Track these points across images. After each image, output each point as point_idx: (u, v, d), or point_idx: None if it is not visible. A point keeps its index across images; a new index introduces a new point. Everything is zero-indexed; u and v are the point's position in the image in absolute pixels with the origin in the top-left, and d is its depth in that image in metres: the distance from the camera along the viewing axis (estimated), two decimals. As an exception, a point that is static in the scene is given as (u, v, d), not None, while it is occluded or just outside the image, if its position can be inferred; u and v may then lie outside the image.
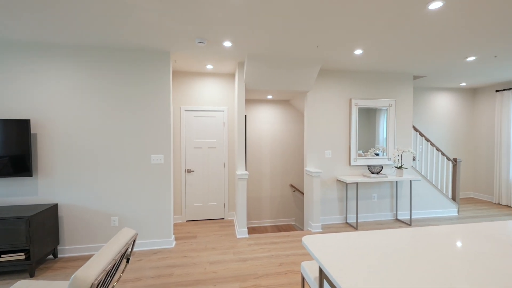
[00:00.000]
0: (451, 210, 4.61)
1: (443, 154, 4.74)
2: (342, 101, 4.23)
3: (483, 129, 5.71)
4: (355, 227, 4.02)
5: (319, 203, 3.83)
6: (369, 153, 4.31)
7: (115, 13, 2.26)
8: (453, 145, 5.86)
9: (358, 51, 3.28)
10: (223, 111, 4.40)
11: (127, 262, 1.77)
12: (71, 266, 2.80)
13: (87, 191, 3.09)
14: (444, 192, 4.80)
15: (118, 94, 3.14)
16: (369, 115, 4.32)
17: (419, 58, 3.56)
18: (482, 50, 3.26)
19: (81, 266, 2.83)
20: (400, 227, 4.02)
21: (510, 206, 5.09)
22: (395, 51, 3.27)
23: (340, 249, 1.29)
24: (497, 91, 5.30)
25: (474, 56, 3.48)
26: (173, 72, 4.21)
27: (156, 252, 3.15)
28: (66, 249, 3.06)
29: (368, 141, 4.32)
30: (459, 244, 1.33)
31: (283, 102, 5.28)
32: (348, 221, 4.27)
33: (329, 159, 4.21)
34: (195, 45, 3.03)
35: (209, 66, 3.92)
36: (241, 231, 3.64)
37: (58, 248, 3.05)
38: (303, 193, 5.10)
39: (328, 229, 3.94)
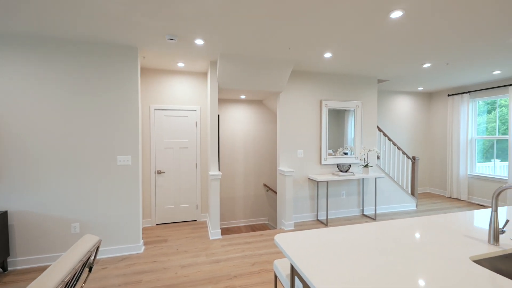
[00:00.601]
0: (411, 204, 5.00)
1: (403, 152, 5.12)
2: (313, 102, 4.37)
3: (438, 129, 6.27)
4: (325, 223, 4.18)
5: (292, 201, 3.91)
6: (338, 152, 4.51)
7: (76, 2, 2.09)
8: (412, 144, 6.35)
9: (328, 54, 3.41)
10: (196, 110, 4.30)
11: (90, 271, 1.65)
12: (23, 279, 2.54)
13: (43, 196, 2.82)
14: (405, 188, 5.19)
15: (81, 91, 2.91)
16: (338, 116, 4.51)
17: (382, 63, 3.81)
18: (436, 58, 3.58)
19: (35, 278, 2.57)
20: (366, 221, 4.26)
21: (460, 199, 5.66)
22: (361, 55, 3.45)
23: (310, 245, 1.33)
24: (449, 95, 5.86)
25: (429, 63, 3.81)
26: (142, 69, 4.02)
27: (123, 258, 2.98)
28: (18, 261, 2.77)
29: (337, 141, 4.52)
30: (417, 235, 1.44)
31: (257, 102, 5.31)
32: (319, 218, 4.42)
33: (301, 159, 4.32)
34: (165, 42, 2.92)
35: (181, 64, 3.81)
36: (214, 232, 3.58)
37: (8, 260, 2.74)
38: (276, 192, 5.18)
39: (300, 226, 4.05)
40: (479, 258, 1.21)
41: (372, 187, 4.73)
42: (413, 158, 4.96)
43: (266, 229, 4.96)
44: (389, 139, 5.03)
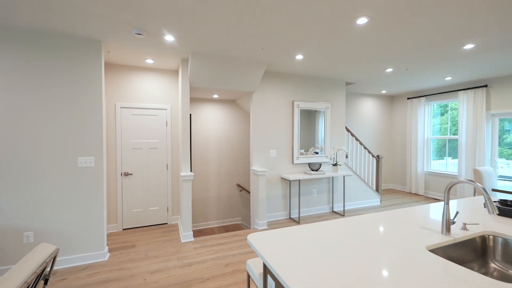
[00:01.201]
0: (375, 200, 5.33)
1: (369, 152, 5.43)
2: (285, 102, 4.45)
3: (399, 130, 6.76)
4: (297, 221, 4.28)
5: (265, 201, 3.95)
6: (309, 152, 4.65)
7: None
8: (377, 144, 6.77)
9: (300, 57, 3.50)
10: (166, 109, 4.14)
11: (46, 283, 1.50)
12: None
13: (-11, 203, 2.51)
14: (370, 185, 5.51)
15: (37, 86, 2.65)
16: (309, 117, 4.65)
17: (350, 66, 4.00)
18: (397, 64, 3.85)
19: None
20: (335, 218, 4.45)
21: (418, 194, 6.15)
22: (330, 59, 3.60)
23: (283, 243, 1.35)
24: (408, 98, 6.34)
25: (391, 68, 4.09)
26: (107, 64, 3.77)
27: (85, 267, 2.77)
28: (-43, 278, 2.43)
29: (309, 141, 4.65)
30: (381, 229, 1.54)
31: (230, 102, 5.28)
32: (291, 216, 4.51)
33: (273, 158, 4.38)
34: (132, 36, 2.77)
35: (149, 61, 3.64)
36: (186, 235, 3.49)
37: None
38: (249, 192, 5.19)
39: (273, 225, 4.10)
40: (433, 247, 1.32)
41: (341, 185, 4.96)
42: (378, 156, 5.29)
43: (239, 229, 4.94)
44: (356, 139, 5.30)
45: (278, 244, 1.34)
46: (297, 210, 4.55)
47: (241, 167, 5.40)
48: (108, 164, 3.83)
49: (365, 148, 5.39)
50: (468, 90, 5.09)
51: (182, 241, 3.46)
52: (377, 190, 5.36)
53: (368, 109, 6.62)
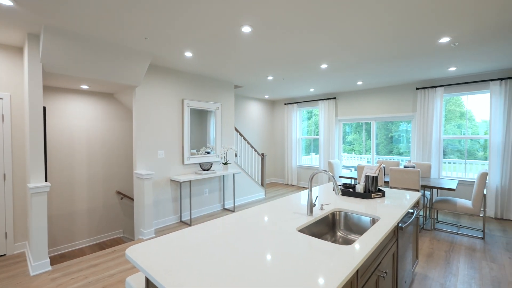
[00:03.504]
0: (261, 193, 5.93)
1: (255, 150, 5.98)
2: (174, 100, 4.22)
3: (278, 131, 7.82)
4: (189, 223, 4.15)
5: (151, 206, 3.59)
6: (201, 151, 4.61)
7: None
8: (261, 143, 7.56)
9: (188, 54, 3.39)
10: (2, 98, 3.02)
11: None
12: None
13: None
14: (256, 180, 6.08)
15: None
16: (201, 116, 4.61)
17: (238, 70, 4.25)
18: (277, 73, 4.43)
19: None
20: (226, 214, 4.61)
21: (293, 185, 7.33)
22: (220, 60, 3.69)
23: (170, 249, 1.24)
24: (285, 104, 7.44)
25: (272, 76, 4.66)
26: None
27: None
28: None
29: (200, 141, 4.60)
30: (266, 218, 1.69)
31: (106, 95, 4.47)
32: (182, 219, 4.32)
33: (162, 159, 4.05)
34: None
35: (-32, 27, 2.54)
36: (38, 265, 2.66)
37: None
38: (133, 199, 4.58)
39: (162, 232, 3.79)
40: (301, 228, 1.58)
41: (231, 183, 5.20)
42: (262, 154, 5.90)
43: (120, 244, 4.27)
44: (244, 139, 5.72)
45: (165, 252, 1.22)
46: (189, 212, 4.41)
47: (123, 171, 4.69)
48: None
49: (252, 147, 5.90)
50: (325, 100, 6.53)
51: (32, 273, 2.61)
52: (262, 184, 5.97)
53: (254, 112, 7.28)
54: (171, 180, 4.16)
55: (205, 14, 2.31)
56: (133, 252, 1.24)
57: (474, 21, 2.46)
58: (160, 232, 3.80)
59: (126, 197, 4.65)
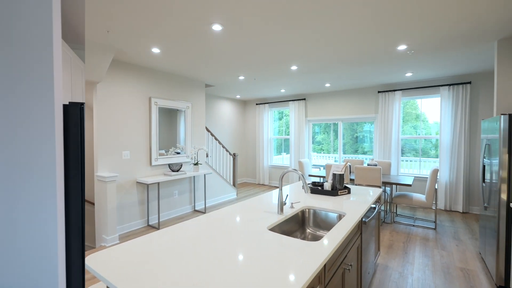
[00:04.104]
0: (232, 194, 5.89)
1: (226, 150, 5.93)
2: (141, 98, 4.01)
3: (250, 131, 7.85)
4: (157, 227, 3.97)
5: (115, 211, 3.37)
6: (170, 152, 4.44)
7: None
8: (233, 143, 7.52)
9: (156, 50, 3.25)
10: None
11: None
12: None
13: None
14: (228, 180, 6.03)
15: None
16: (170, 115, 4.44)
17: (208, 69, 4.18)
18: (248, 73, 4.43)
19: None
20: (197, 216, 4.51)
21: (265, 184, 7.40)
22: (190, 58, 3.59)
23: (135, 256, 1.17)
24: (256, 104, 7.49)
25: (243, 76, 4.65)
26: None
27: None
28: None
29: (169, 141, 4.44)
30: (237, 218, 1.68)
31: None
32: (150, 223, 4.13)
33: (127, 161, 3.83)
34: None
35: None
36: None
37: None
38: (93, 204, 4.26)
39: (127, 237, 3.58)
40: (272, 226, 1.59)
41: (202, 183, 5.09)
42: (234, 154, 5.87)
43: (80, 252, 3.94)
44: (216, 139, 5.64)
45: (129, 259, 1.15)
46: (157, 215, 4.22)
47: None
48: None
49: (223, 147, 5.84)
50: (295, 101, 6.70)
51: None
52: (233, 184, 5.94)
53: (226, 111, 7.22)
54: (137, 182, 3.95)
55: (172, 7, 2.23)
56: (94, 260, 1.15)
57: (429, 31, 2.71)
58: (125, 237, 3.58)
59: (86, 202, 4.30)
